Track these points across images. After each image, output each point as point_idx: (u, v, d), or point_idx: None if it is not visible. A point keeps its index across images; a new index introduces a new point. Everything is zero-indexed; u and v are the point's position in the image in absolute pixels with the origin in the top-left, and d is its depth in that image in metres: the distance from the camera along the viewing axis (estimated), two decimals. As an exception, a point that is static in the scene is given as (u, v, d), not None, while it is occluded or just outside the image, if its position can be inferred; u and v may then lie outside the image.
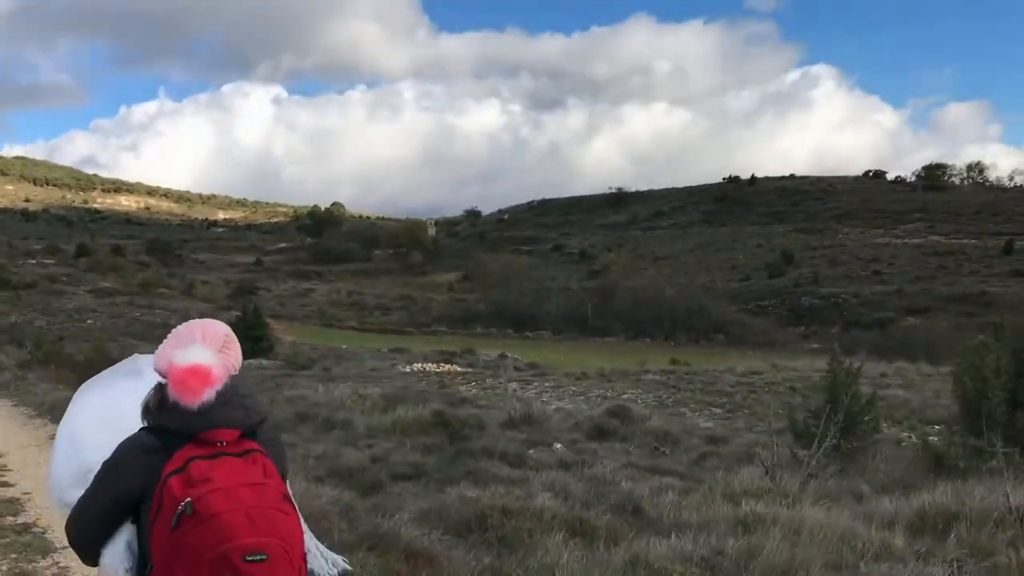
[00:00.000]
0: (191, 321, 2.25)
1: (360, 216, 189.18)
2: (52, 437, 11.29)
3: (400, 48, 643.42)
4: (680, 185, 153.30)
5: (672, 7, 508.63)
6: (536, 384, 26.44)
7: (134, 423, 2.18)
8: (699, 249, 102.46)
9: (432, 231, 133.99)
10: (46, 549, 6.68)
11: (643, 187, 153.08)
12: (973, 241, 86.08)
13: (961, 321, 66.27)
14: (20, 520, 7.70)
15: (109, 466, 2.12)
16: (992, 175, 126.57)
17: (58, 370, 18.56)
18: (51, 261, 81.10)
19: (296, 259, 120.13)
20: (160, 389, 2.13)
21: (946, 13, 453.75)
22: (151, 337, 47.99)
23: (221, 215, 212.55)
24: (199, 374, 2.05)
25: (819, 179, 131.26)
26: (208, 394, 2.05)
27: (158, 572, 1.98)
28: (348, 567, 2.56)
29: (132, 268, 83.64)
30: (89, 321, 48.42)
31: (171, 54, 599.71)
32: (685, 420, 16.68)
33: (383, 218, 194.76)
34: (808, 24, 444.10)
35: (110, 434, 2.21)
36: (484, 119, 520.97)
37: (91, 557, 2.19)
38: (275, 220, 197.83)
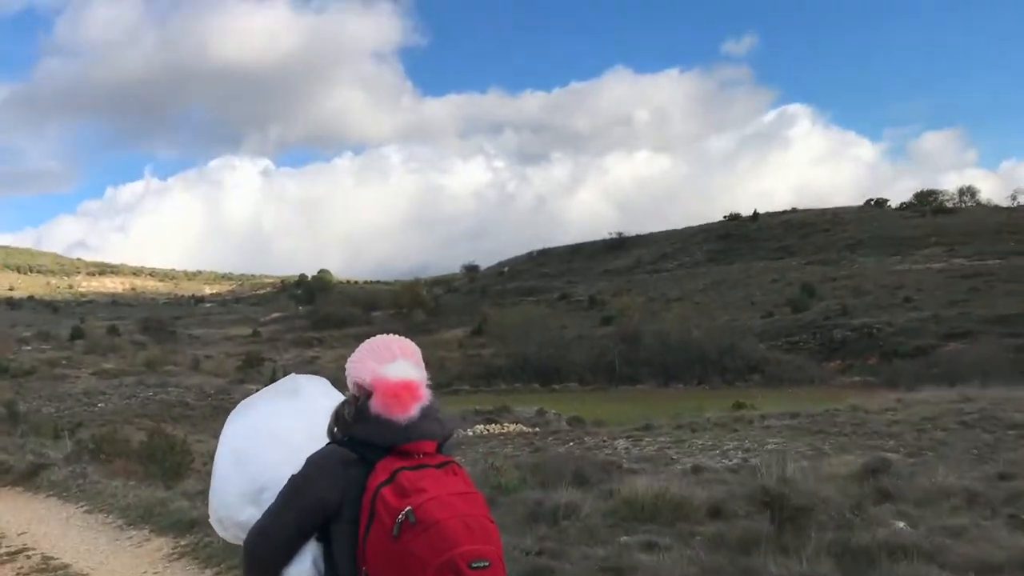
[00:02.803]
0: (379, 336, 2.21)
1: (348, 282, 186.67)
2: (169, 556, 7.45)
3: (386, 114, 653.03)
4: (668, 228, 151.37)
5: (648, 58, 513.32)
6: (648, 440, 23.04)
7: (300, 440, 2.17)
8: (711, 289, 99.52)
9: (423, 292, 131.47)
10: None
11: (631, 233, 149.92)
12: (999, 262, 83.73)
13: (1006, 343, 63.71)
14: None
15: (303, 478, 2.04)
16: (983, 197, 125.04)
17: (119, 462, 15.04)
18: (47, 346, 77.34)
19: (294, 327, 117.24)
20: (355, 401, 2.10)
21: (914, 48, 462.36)
22: (171, 417, 44.40)
23: (208, 290, 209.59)
24: (411, 389, 2.04)
25: (823, 211, 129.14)
26: (416, 409, 2.04)
27: None
28: None
29: (131, 348, 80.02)
30: (101, 404, 44.66)
31: (157, 132, 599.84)
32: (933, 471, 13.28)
33: (371, 282, 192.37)
34: (781, 66, 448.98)
35: (278, 451, 2.21)
36: (470, 177, 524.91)
37: None
38: (262, 291, 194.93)
